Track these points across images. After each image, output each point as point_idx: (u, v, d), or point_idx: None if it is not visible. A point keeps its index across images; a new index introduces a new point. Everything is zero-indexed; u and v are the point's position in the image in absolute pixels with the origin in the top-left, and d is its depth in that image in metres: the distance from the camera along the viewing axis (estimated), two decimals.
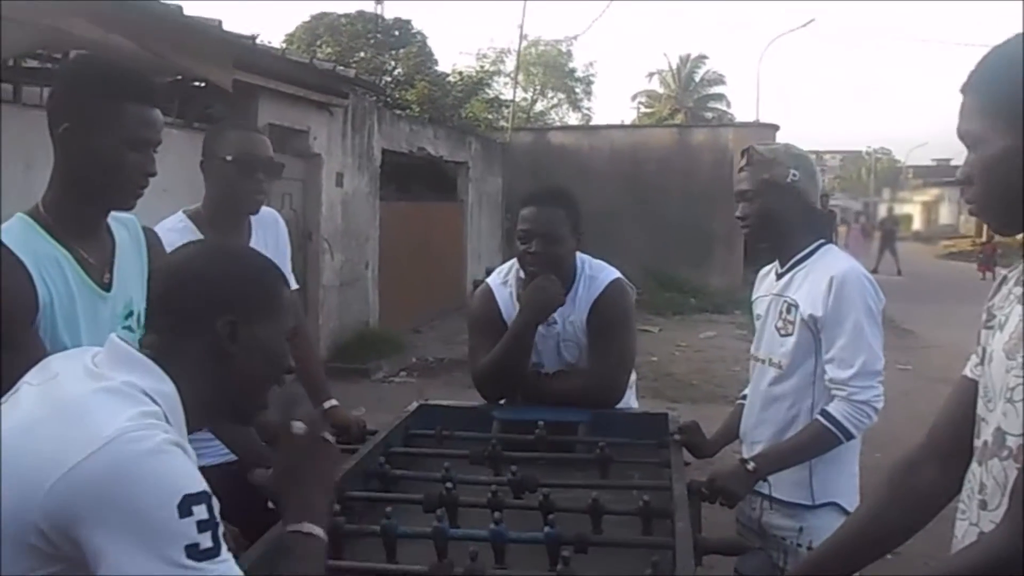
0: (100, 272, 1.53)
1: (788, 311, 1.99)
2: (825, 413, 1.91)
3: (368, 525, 1.49)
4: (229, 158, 2.09)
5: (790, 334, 1.98)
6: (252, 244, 2.17)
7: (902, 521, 1.28)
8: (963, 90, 1.12)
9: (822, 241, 2.04)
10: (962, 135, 1.12)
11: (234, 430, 1.84)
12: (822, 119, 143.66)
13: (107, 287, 1.53)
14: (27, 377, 1.09)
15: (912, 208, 49.47)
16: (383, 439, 1.92)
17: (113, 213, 1.57)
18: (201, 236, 2.08)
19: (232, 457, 1.87)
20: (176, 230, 2.06)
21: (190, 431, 1.11)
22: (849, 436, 1.90)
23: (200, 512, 0.94)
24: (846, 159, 65.69)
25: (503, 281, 2.31)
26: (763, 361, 2.05)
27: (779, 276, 2.07)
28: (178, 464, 0.97)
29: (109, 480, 0.92)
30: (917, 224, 47.06)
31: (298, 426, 1.20)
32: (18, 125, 4.37)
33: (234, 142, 2.12)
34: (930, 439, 1.29)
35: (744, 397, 2.20)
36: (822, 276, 1.94)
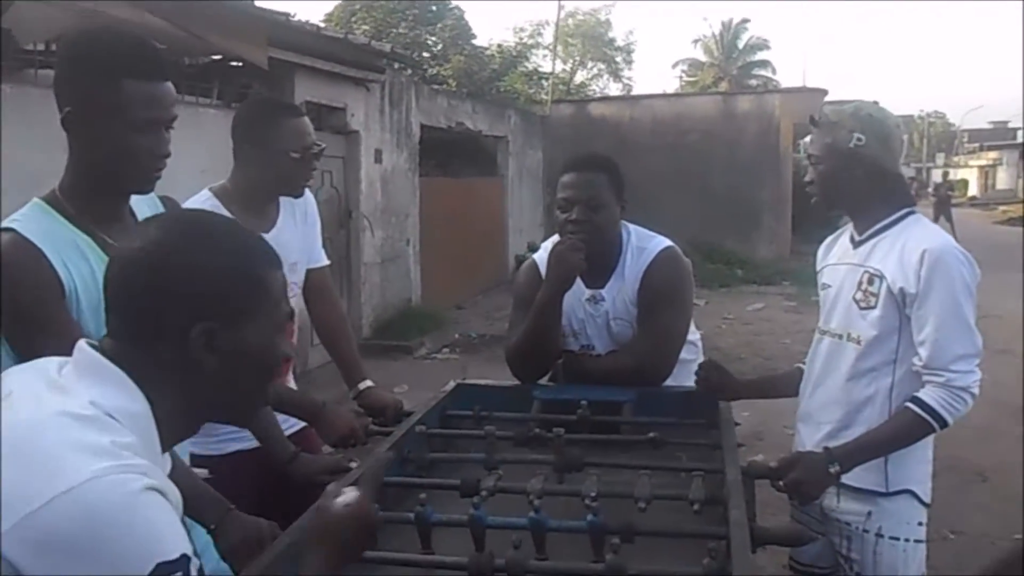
0: None
1: (871, 282, 1.84)
2: (918, 400, 1.76)
3: (403, 512, 1.42)
4: (295, 155, 1.98)
5: (872, 307, 1.83)
6: (280, 222, 2.11)
7: None
8: None
9: (908, 210, 1.89)
10: None
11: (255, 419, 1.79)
12: (872, 83, 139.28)
13: None
14: None
15: (968, 173, 47.86)
16: (418, 420, 1.85)
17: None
18: (229, 215, 2.02)
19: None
20: (200, 207, 1.98)
21: (169, 446, 0.97)
22: (944, 424, 1.75)
23: None
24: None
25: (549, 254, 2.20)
26: (838, 336, 1.90)
27: (856, 244, 1.92)
28: (155, 520, 0.82)
29: (71, 536, 0.77)
30: (973, 189, 45.54)
31: (337, 499, 1.04)
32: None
33: (293, 134, 2.00)
34: None
35: (803, 364, 2.06)
36: (914, 248, 1.79)
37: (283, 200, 2.13)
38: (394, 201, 8.77)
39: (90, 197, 1.42)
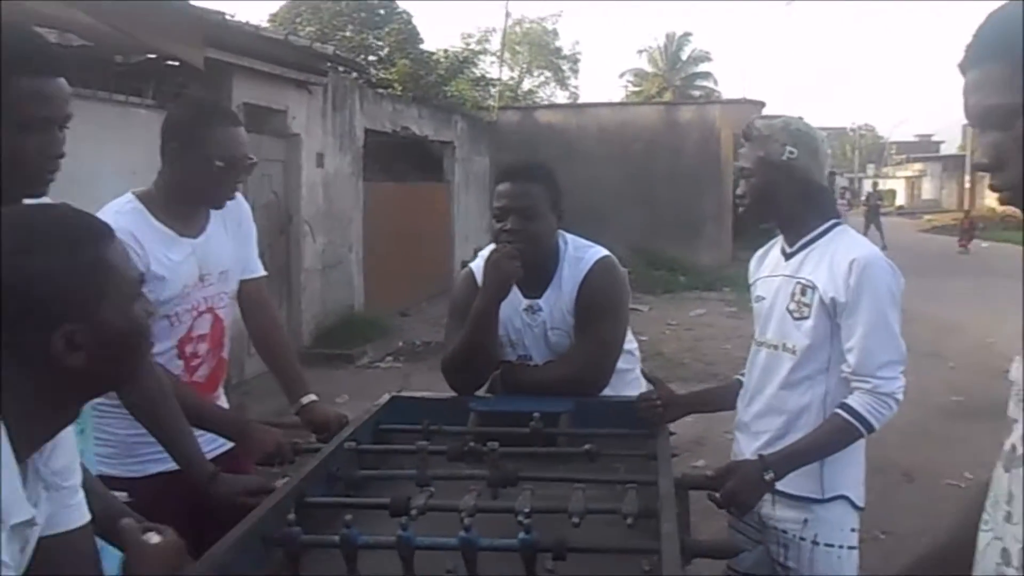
0: None
1: (803, 293, 1.87)
2: (846, 407, 1.80)
3: (328, 535, 1.37)
4: (220, 164, 1.89)
5: (806, 317, 1.85)
6: (210, 229, 2.02)
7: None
8: (976, 59, 0.95)
9: (835, 221, 1.93)
10: (983, 113, 0.95)
11: (172, 437, 1.72)
12: (807, 96, 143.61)
13: None
14: None
15: (896, 183, 49.67)
16: (349, 436, 1.79)
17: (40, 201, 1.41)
18: (154, 220, 1.92)
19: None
20: (124, 213, 1.89)
21: (29, 449, 0.94)
22: (871, 429, 1.80)
23: None
24: (831, 135, 65.61)
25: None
26: (773, 347, 1.92)
27: (787, 256, 1.94)
28: None
29: None
30: (901, 199, 47.26)
31: (152, 538, 1.06)
32: None
33: (222, 143, 1.91)
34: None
35: (742, 374, 2.08)
36: (843, 258, 1.82)
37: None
38: (337, 206, 8.63)
39: None
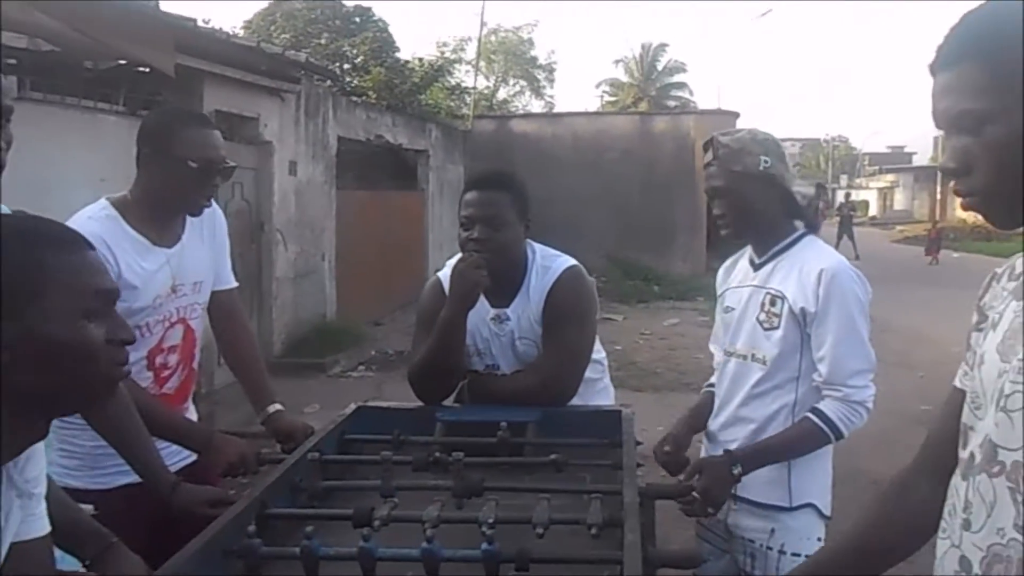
0: None
1: (773, 303, 1.88)
2: (817, 411, 1.82)
3: (289, 546, 1.35)
4: (193, 164, 1.86)
5: (775, 327, 1.87)
6: (185, 239, 2.00)
7: (895, 541, 1.18)
8: (949, 61, 0.94)
9: (803, 231, 1.94)
10: (956, 115, 0.93)
11: (133, 448, 1.69)
12: (782, 107, 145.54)
13: None
14: None
15: (868, 194, 50.43)
16: (313, 446, 1.77)
17: None
18: (128, 228, 1.89)
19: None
20: (97, 219, 1.86)
21: (10, 455, 0.93)
22: (840, 436, 1.82)
23: None
24: (805, 146, 66.61)
25: None
26: (743, 356, 1.94)
27: (756, 267, 1.95)
28: None
29: None
30: (873, 210, 47.98)
31: None
32: None
33: (195, 143, 1.88)
34: (923, 455, 1.17)
35: (711, 386, 2.09)
36: (812, 268, 1.84)
37: (190, 217, 2.01)
38: (309, 214, 8.58)
39: None
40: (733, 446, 1.92)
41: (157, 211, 1.93)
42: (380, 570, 1.30)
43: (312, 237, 8.67)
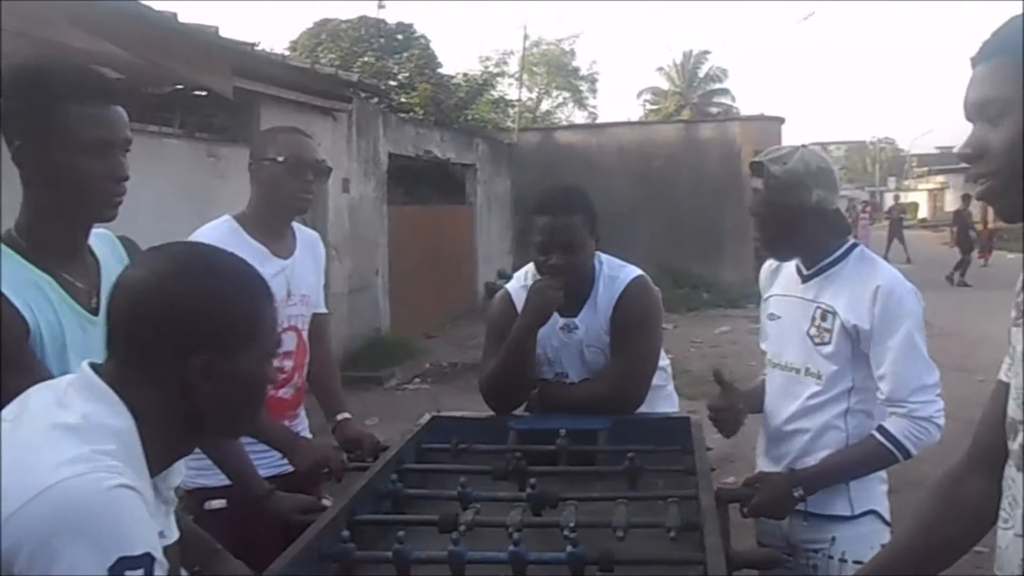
0: (87, 296, 1.42)
1: (824, 318, 1.88)
2: (883, 430, 1.80)
3: (380, 551, 1.41)
4: (280, 159, 2.04)
5: (827, 343, 1.87)
6: (298, 253, 2.16)
7: (954, 536, 1.19)
8: (987, 54, 0.99)
9: (852, 242, 1.93)
10: (982, 104, 0.99)
11: (225, 453, 1.77)
12: (826, 110, 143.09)
13: (95, 311, 1.41)
14: (4, 411, 0.99)
15: (918, 196, 49.20)
16: (394, 456, 1.83)
17: (94, 231, 1.47)
18: (247, 237, 2.05)
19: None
20: (220, 230, 2.04)
21: (159, 468, 1.00)
22: (908, 455, 1.80)
23: None
24: (851, 150, 65.41)
25: (523, 286, 2.19)
26: (796, 370, 1.93)
27: (804, 278, 1.95)
28: (122, 515, 0.86)
29: (46, 531, 0.83)
30: (924, 212, 46.78)
31: None
32: None
33: (284, 143, 2.08)
34: (974, 449, 1.19)
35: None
36: (865, 285, 1.83)
37: (300, 240, 2.18)
38: (362, 230, 8.74)
39: (48, 234, 1.39)
40: (786, 460, 1.92)
41: (269, 218, 2.11)
42: (468, 572, 1.34)
43: (365, 253, 8.82)
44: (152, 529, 0.90)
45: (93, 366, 1.00)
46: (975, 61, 1.01)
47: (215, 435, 1.11)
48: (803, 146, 1.92)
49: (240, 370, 0.99)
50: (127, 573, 0.84)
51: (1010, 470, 1.06)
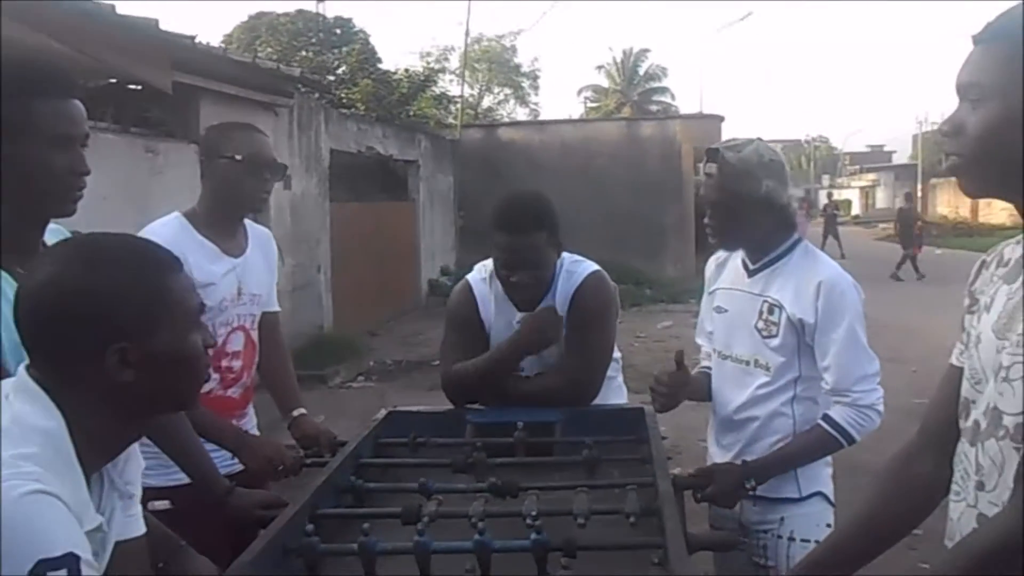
0: None
1: (771, 312, 1.94)
2: (828, 419, 1.88)
3: (345, 543, 1.41)
4: (239, 157, 2.01)
5: (774, 335, 1.93)
6: (249, 251, 2.13)
7: (903, 514, 1.26)
8: (985, 37, 1.05)
9: (796, 238, 1.99)
10: (968, 85, 1.05)
11: (186, 452, 1.74)
12: (763, 109, 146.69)
13: None
14: None
15: (851, 193, 50.90)
16: (352, 450, 1.83)
17: (48, 227, 1.43)
18: (197, 234, 2.02)
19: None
20: (169, 226, 1.99)
21: (99, 462, 0.99)
22: (852, 441, 1.88)
23: None
24: (787, 148, 67.16)
25: (483, 278, 2.20)
26: (745, 362, 2.00)
27: (751, 272, 2.00)
28: (37, 519, 0.86)
29: None
30: (856, 208, 48.44)
31: None
32: None
33: (241, 141, 2.04)
34: (924, 431, 1.26)
35: (706, 368, 2.16)
36: (809, 280, 1.90)
37: (252, 237, 2.15)
38: (304, 227, 8.61)
39: (8, 231, 1.34)
40: (736, 448, 1.99)
41: (221, 215, 2.07)
42: (434, 562, 1.35)
43: (307, 250, 8.70)
44: (75, 529, 0.89)
45: (29, 367, 1.00)
46: (975, 40, 1.06)
47: (158, 414, 1.09)
48: (758, 139, 1.98)
49: (159, 351, 0.99)
50: (49, 574, 0.84)
51: (963, 446, 1.14)
